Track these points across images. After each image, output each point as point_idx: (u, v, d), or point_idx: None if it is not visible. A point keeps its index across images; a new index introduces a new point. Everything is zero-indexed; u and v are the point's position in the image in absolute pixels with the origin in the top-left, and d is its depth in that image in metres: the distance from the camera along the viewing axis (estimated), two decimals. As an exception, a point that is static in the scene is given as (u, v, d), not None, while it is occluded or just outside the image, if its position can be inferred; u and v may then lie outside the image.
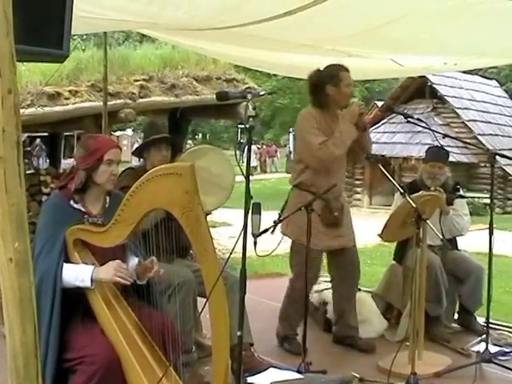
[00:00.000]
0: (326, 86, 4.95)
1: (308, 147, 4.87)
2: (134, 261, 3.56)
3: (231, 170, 4.66)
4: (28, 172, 8.94)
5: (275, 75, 24.79)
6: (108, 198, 3.59)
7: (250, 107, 3.07)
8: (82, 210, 3.45)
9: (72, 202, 3.44)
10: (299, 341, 4.98)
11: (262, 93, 3.61)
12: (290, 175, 5.42)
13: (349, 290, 5.26)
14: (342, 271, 5.13)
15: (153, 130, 4.58)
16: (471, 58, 6.12)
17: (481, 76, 26.34)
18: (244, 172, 3.03)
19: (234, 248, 2.87)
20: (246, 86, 9.49)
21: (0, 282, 1.79)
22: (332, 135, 4.85)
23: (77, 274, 3.26)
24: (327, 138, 4.80)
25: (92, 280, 3.24)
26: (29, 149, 20.38)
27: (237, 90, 7.33)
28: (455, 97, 22.34)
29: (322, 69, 5.07)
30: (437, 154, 5.76)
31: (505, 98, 26.74)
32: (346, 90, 4.93)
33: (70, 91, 7.91)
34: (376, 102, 30.17)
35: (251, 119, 3.02)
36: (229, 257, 2.98)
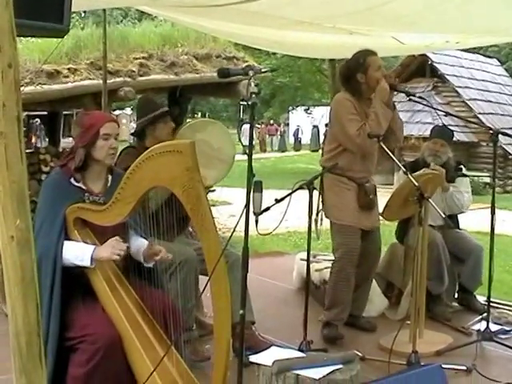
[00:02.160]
0: (356, 74, 4.90)
1: (346, 133, 4.82)
2: (139, 241, 3.54)
3: (231, 143, 4.63)
4: (27, 151, 8.91)
5: (275, 54, 24.63)
6: (110, 176, 3.57)
7: (252, 84, 3.03)
8: (83, 188, 3.43)
9: (73, 180, 3.42)
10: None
11: (264, 70, 3.57)
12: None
13: (368, 270, 5.26)
14: (364, 251, 5.12)
15: (152, 105, 4.54)
16: (473, 36, 6.08)
17: (481, 55, 26.20)
18: (246, 150, 3.00)
19: (236, 225, 2.86)
20: (246, 63, 9.43)
21: (2, 260, 1.77)
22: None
23: (77, 252, 3.24)
24: (364, 122, 4.76)
25: (92, 259, 3.23)
26: (26, 128, 20.32)
27: (238, 67, 7.28)
28: (455, 75, 22.24)
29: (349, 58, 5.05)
30: (441, 132, 5.76)
31: (505, 76, 26.62)
32: (375, 74, 4.86)
33: (69, 69, 7.86)
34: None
35: (254, 96, 2.99)
36: (231, 234, 2.96)
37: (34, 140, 19.98)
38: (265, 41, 6.99)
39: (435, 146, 5.56)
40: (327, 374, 3.14)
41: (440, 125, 6.18)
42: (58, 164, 3.61)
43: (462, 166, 5.72)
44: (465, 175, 5.67)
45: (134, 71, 8.36)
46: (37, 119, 20.52)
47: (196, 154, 2.97)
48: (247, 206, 2.94)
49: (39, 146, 11.63)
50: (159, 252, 3.39)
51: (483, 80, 23.80)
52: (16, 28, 1.71)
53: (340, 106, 4.93)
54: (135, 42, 9.17)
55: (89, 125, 3.39)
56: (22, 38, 7.82)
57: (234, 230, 2.92)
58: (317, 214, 4.84)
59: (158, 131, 4.42)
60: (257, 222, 3.79)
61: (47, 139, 13.35)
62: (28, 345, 1.75)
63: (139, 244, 3.52)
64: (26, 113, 15.97)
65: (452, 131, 5.95)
